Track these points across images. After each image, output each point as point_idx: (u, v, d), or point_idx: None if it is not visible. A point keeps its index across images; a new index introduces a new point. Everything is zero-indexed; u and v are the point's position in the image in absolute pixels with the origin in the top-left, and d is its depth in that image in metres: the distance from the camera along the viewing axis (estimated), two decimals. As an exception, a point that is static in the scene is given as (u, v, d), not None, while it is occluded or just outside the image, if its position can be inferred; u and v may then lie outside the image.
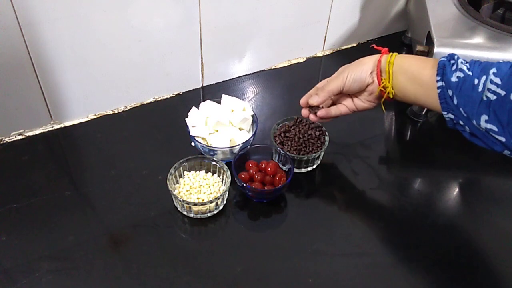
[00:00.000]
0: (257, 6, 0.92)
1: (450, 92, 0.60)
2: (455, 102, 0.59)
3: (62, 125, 0.87)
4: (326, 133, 0.81)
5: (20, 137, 0.84)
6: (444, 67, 0.60)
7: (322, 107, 0.75)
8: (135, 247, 0.69)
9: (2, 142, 0.83)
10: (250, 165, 0.78)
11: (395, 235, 0.73)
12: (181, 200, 0.71)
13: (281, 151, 0.78)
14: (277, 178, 0.75)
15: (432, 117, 0.94)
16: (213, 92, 0.97)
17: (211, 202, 0.71)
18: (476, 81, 0.57)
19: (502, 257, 0.71)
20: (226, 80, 1.00)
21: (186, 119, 0.82)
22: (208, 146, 0.78)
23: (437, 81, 0.61)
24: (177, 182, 0.76)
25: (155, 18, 0.83)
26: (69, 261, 0.66)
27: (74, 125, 0.88)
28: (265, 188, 0.75)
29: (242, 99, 0.89)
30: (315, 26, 1.04)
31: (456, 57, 0.61)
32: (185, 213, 0.73)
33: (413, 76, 0.65)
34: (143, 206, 0.74)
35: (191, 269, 0.66)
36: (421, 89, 0.64)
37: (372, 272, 0.68)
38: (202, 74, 0.96)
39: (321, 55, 1.10)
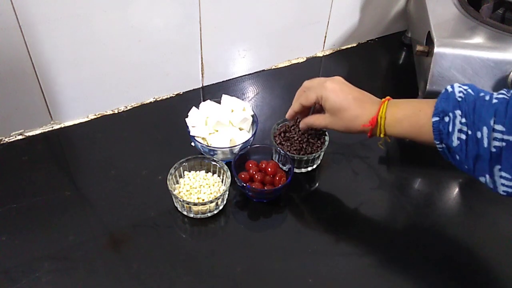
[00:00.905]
0: (257, 6, 0.92)
1: (454, 154, 0.56)
2: (460, 160, 0.56)
3: (62, 125, 0.87)
4: (326, 133, 0.81)
5: (20, 137, 0.84)
6: (441, 133, 0.56)
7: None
8: (135, 247, 0.69)
9: (2, 142, 0.83)
10: (250, 165, 0.78)
11: (395, 235, 0.73)
12: (181, 200, 0.71)
13: (281, 151, 0.78)
14: (277, 178, 0.75)
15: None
16: (213, 92, 0.97)
17: (211, 202, 0.71)
18: (479, 134, 0.53)
19: (502, 257, 0.71)
20: (226, 80, 1.00)
21: (186, 119, 0.82)
22: (208, 146, 0.78)
23: (437, 144, 0.58)
24: (177, 182, 0.76)
25: (155, 18, 0.83)
26: (69, 261, 0.66)
27: (74, 125, 0.88)
28: (265, 188, 0.75)
29: (242, 99, 0.89)
30: (315, 26, 1.04)
31: (450, 109, 0.55)
32: (185, 213, 0.73)
33: (409, 130, 0.61)
34: (143, 206, 0.74)
35: (191, 269, 0.66)
36: (420, 140, 0.61)
37: (372, 272, 0.68)
38: (202, 74, 0.96)
39: (321, 55, 1.10)
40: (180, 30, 0.87)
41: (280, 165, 0.79)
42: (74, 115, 0.87)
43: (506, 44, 0.81)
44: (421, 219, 0.75)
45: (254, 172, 0.76)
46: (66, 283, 0.64)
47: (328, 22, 1.05)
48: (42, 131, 0.86)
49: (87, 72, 0.83)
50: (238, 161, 0.77)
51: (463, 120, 0.54)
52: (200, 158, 0.77)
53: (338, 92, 0.67)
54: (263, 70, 1.04)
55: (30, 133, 0.85)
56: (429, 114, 0.57)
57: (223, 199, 0.74)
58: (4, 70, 0.75)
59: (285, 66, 1.06)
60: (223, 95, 0.85)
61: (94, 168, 0.80)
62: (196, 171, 0.77)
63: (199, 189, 0.74)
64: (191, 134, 0.80)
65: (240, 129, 0.83)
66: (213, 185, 0.75)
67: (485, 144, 0.52)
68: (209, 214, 0.73)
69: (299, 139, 0.79)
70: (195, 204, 0.71)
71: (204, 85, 0.98)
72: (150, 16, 0.82)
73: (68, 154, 0.84)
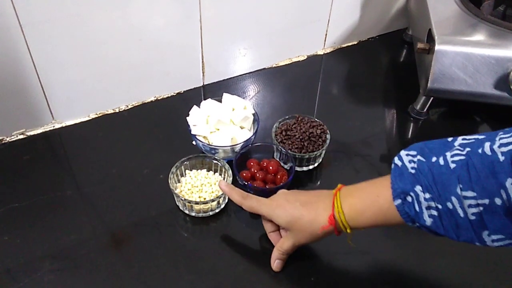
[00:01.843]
0: (257, 4, 0.92)
1: (433, 231, 0.52)
2: (442, 233, 0.51)
3: (63, 125, 0.87)
4: (328, 131, 0.81)
5: (21, 136, 0.84)
6: (409, 215, 0.52)
7: None
8: (136, 246, 0.69)
9: (3, 141, 0.83)
10: (252, 163, 0.78)
11: (397, 233, 0.72)
12: (183, 199, 0.71)
13: (283, 149, 0.78)
14: (279, 177, 0.75)
15: (434, 114, 0.94)
16: (214, 90, 0.97)
17: (212, 201, 0.71)
18: (449, 205, 0.48)
19: (502, 254, 0.70)
20: (227, 79, 1.00)
21: (187, 118, 0.82)
22: (209, 144, 0.78)
23: (411, 225, 0.53)
24: (179, 181, 0.76)
25: (156, 17, 0.83)
26: (71, 260, 0.66)
27: (75, 124, 0.88)
28: (267, 186, 0.75)
29: (243, 98, 0.89)
30: (315, 24, 1.04)
31: (409, 187, 0.51)
32: (186, 212, 0.73)
33: (375, 218, 0.56)
34: (144, 205, 0.74)
35: (192, 268, 0.66)
36: (391, 224, 0.56)
37: (374, 270, 0.68)
38: (203, 72, 0.96)
39: (322, 53, 1.10)
40: (181, 29, 0.87)
41: (282, 164, 0.79)
42: (75, 114, 0.87)
43: (507, 41, 0.81)
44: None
45: (255, 171, 0.76)
46: (67, 282, 0.64)
47: (329, 20, 1.05)
48: (43, 130, 0.86)
49: (88, 71, 0.83)
50: (239, 160, 0.77)
51: (427, 195, 0.49)
52: (202, 157, 0.77)
53: (284, 205, 0.63)
54: (264, 69, 1.04)
55: (31, 133, 0.85)
56: (389, 198, 0.53)
57: (224, 198, 0.74)
58: (5, 69, 0.75)
59: (286, 64, 1.06)
60: (224, 93, 0.85)
61: (96, 167, 0.80)
62: (197, 169, 0.77)
63: (200, 188, 0.74)
64: (192, 132, 0.80)
65: (241, 127, 0.83)
66: (215, 184, 0.75)
67: (461, 214, 0.47)
68: (210, 213, 0.73)
69: (300, 137, 0.79)
70: (196, 203, 0.71)
71: (205, 83, 0.98)
72: (150, 15, 0.82)
73: (69, 153, 0.84)
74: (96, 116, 0.89)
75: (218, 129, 0.81)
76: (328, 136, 0.81)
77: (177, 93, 0.96)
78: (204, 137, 0.80)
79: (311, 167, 0.81)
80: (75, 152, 0.84)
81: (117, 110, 0.91)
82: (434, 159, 0.50)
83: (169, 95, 0.95)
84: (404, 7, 1.13)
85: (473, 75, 0.81)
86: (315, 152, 0.78)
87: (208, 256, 0.68)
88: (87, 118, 0.89)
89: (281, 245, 0.65)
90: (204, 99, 0.85)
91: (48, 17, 0.73)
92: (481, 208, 0.46)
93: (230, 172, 0.75)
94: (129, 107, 0.92)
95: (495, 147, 0.46)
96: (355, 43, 1.13)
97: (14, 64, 0.75)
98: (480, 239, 0.49)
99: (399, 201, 0.52)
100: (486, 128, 0.93)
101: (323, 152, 0.81)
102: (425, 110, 0.92)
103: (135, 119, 0.90)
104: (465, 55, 0.80)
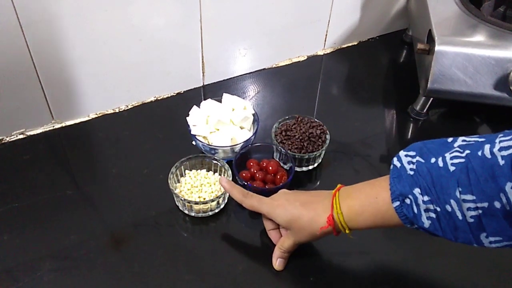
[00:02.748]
0: (258, 4, 0.92)
1: (431, 232, 0.52)
2: (441, 235, 0.51)
3: (63, 124, 0.87)
4: (327, 131, 0.81)
5: (21, 136, 0.84)
6: (407, 217, 0.52)
7: None
8: (136, 246, 0.69)
9: (3, 141, 0.83)
10: (251, 164, 0.78)
11: (397, 234, 0.72)
12: (182, 199, 0.71)
13: (282, 149, 0.78)
14: (278, 177, 0.75)
15: (434, 115, 0.94)
16: (214, 91, 0.97)
17: (212, 201, 0.71)
18: (448, 208, 0.48)
19: (502, 254, 0.70)
20: (227, 79, 1.00)
21: (187, 118, 0.82)
22: (209, 145, 0.78)
23: (409, 227, 0.53)
24: (178, 181, 0.76)
25: (156, 17, 0.83)
26: (71, 260, 0.66)
27: (75, 124, 0.88)
28: (266, 186, 0.75)
29: (243, 98, 0.89)
30: (316, 25, 1.04)
31: (407, 190, 0.50)
32: (186, 212, 0.73)
33: (373, 219, 0.56)
34: (144, 205, 0.74)
35: (192, 268, 0.66)
36: (389, 226, 0.56)
37: (373, 270, 0.68)
38: (203, 73, 0.96)
39: (322, 53, 1.10)
40: (181, 29, 0.87)
41: (281, 164, 0.79)
42: (75, 114, 0.87)
43: (507, 42, 0.81)
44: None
45: (255, 171, 0.76)
46: (67, 282, 0.64)
47: (329, 20, 1.05)
48: (43, 130, 0.86)
49: (88, 71, 0.83)
50: (239, 160, 0.77)
51: (426, 198, 0.49)
52: (201, 157, 0.77)
53: (285, 204, 0.63)
54: (264, 69, 1.04)
55: (31, 132, 0.85)
56: (387, 199, 0.53)
57: (224, 198, 0.74)
58: (5, 69, 0.75)
59: (286, 65, 1.06)
60: (224, 94, 0.85)
61: (95, 167, 0.80)
62: (197, 170, 0.77)
63: (200, 188, 0.74)
64: (192, 133, 0.80)
65: (241, 127, 0.83)
66: (214, 184, 0.75)
67: (460, 217, 0.47)
68: (210, 213, 0.73)
69: (300, 137, 0.79)
70: (196, 203, 0.71)
71: (205, 84, 0.98)
72: (150, 15, 0.82)
73: (69, 153, 0.84)
74: (96, 116, 0.89)
75: (218, 129, 0.81)
76: (328, 137, 0.81)
77: (177, 93, 0.96)
78: (204, 137, 0.80)
79: (310, 167, 0.81)
80: (75, 152, 0.84)
81: (117, 110, 0.91)
82: (433, 160, 0.50)
83: (169, 95, 0.95)
84: (404, 8, 1.13)
85: (473, 75, 0.81)
86: (315, 153, 0.78)
87: (208, 256, 0.68)
88: (87, 118, 0.89)
89: (282, 243, 0.65)
90: (204, 99, 0.85)
91: (48, 17, 0.73)
92: (480, 211, 0.46)
93: (230, 172, 0.75)
94: (129, 107, 0.92)
95: (495, 150, 0.46)
96: (355, 43, 1.14)
97: (14, 63, 0.75)
98: (478, 241, 0.49)
99: (397, 203, 0.52)
100: (486, 128, 0.93)
101: (323, 152, 0.81)
102: (425, 110, 0.92)
103: (135, 119, 0.90)
104: (465, 55, 0.80)
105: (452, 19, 0.87)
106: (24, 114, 0.82)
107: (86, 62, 0.82)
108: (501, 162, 0.45)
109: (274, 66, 1.05)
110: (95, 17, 0.77)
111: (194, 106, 0.83)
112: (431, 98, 0.90)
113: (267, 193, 0.75)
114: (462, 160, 0.48)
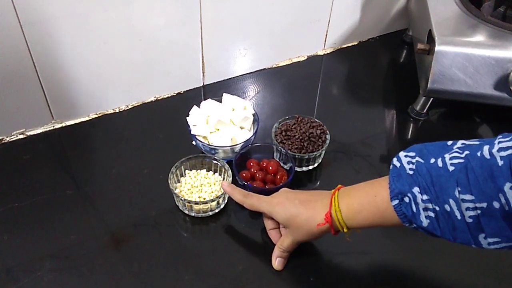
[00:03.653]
0: (258, 4, 0.92)
1: (429, 232, 0.52)
2: (439, 235, 0.51)
3: (63, 124, 0.87)
4: (327, 131, 0.81)
5: (21, 136, 0.84)
6: (406, 215, 0.52)
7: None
8: (136, 246, 0.69)
9: (3, 141, 0.83)
10: (251, 164, 0.78)
11: (396, 234, 0.72)
12: (182, 199, 0.71)
13: (282, 149, 0.78)
14: (278, 177, 0.75)
15: (434, 115, 0.94)
16: (214, 91, 0.97)
17: (212, 201, 0.71)
18: (447, 207, 0.48)
19: (501, 256, 0.70)
20: (227, 79, 1.00)
21: (187, 118, 0.82)
22: (209, 145, 0.78)
23: (407, 226, 0.53)
24: (178, 181, 0.76)
25: (156, 17, 0.83)
26: (71, 260, 0.66)
27: (75, 124, 0.88)
28: (266, 186, 0.75)
29: (243, 98, 0.89)
30: (316, 25, 1.04)
31: (406, 188, 0.51)
32: (186, 212, 0.73)
33: (372, 218, 0.56)
34: (144, 205, 0.74)
35: (192, 268, 0.66)
36: (388, 225, 0.56)
37: (373, 270, 0.68)
38: (203, 73, 0.96)
39: (322, 53, 1.10)
40: (181, 29, 0.87)
41: (281, 164, 0.79)
42: (75, 114, 0.88)
43: (507, 42, 0.81)
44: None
45: (255, 171, 0.76)
46: (67, 282, 0.64)
47: (329, 20, 1.05)
48: (43, 130, 0.86)
49: (88, 71, 0.83)
50: (239, 160, 0.77)
51: (425, 197, 0.49)
52: (201, 157, 0.77)
53: (284, 202, 0.63)
54: (264, 69, 1.04)
55: (32, 132, 0.85)
56: (386, 198, 0.53)
57: (224, 198, 0.74)
58: (5, 69, 0.75)
59: (286, 65, 1.06)
60: (224, 94, 0.85)
61: (95, 167, 0.80)
62: (197, 170, 0.77)
63: (200, 188, 0.74)
64: (192, 133, 0.80)
65: (241, 127, 0.83)
66: (214, 184, 0.75)
67: (458, 216, 0.48)
68: (210, 213, 0.73)
69: (300, 137, 0.79)
70: (196, 203, 0.71)
71: (205, 84, 0.98)
72: (150, 15, 0.82)
73: (69, 153, 0.84)
74: (96, 116, 0.89)
75: (218, 129, 0.81)
76: (328, 137, 0.81)
77: (177, 93, 0.96)
78: (204, 137, 0.80)
79: (311, 167, 0.81)
80: (75, 152, 0.84)
81: (117, 110, 0.91)
82: (432, 160, 0.50)
83: (169, 95, 0.95)
84: (405, 8, 1.13)
85: (473, 76, 0.81)
86: (315, 153, 0.78)
87: (208, 256, 0.68)
88: (87, 118, 0.89)
89: (282, 243, 0.65)
90: (204, 99, 0.85)
91: (48, 17, 0.73)
92: (479, 212, 0.46)
93: (230, 172, 0.75)
94: (129, 107, 0.92)
95: (494, 151, 0.46)
96: (355, 43, 1.14)
97: (14, 63, 0.75)
98: (476, 242, 0.49)
99: (396, 201, 0.52)
100: (486, 128, 0.93)
101: (323, 152, 0.81)
102: (425, 110, 0.92)
103: (135, 119, 0.90)
104: (465, 55, 0.80)
105: (452, 19, 0.87)
106: (24, 114, 0.82)
107: (86, 62, 0.82)
108: (500, 162, 0.45)
109: (274, 66, 1.05)
110: (95, 17, 0.77)
111: (194, 106, 0.83)
112: (431, 98, 0.90)
113: (267, 193, 0.75)
114: (462, 160, 0.48)
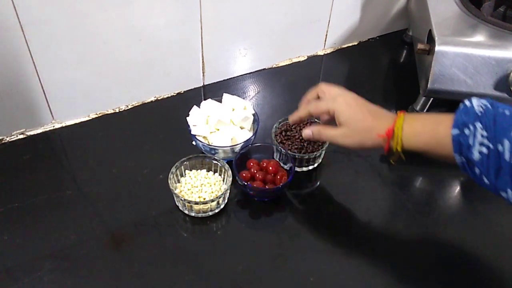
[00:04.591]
0: (258, 4, 0.92)
1: (473, 168, 0.54)
2: (481, 174, 0.54)
3: (63, 124, 0.87)
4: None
5: (21, 136, 0.84)
6: (461, 145, 0.54)
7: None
8: (136, 246, 0.69)
9: (3, 141, 0.83)
10: (251, 164, 0.78)
11: (396, 234, 0.72)
12: (182, 199, 0.71)
13: (282, 150, 0.78)
14: (278, 177, 0.75)
15: (434, 115, 0.94)
16: (214, 91, 0.97)
17: (212, 201, 0.71)
18: (500, 148, 0.51)
19: (504, 255, 0.70)
20: (227, 79, 1.00)
21: (187, 118, 0.82)
22: (209, 145, 0.78)
23: (456, 157, 0.56)
24: (178, 181, 0.76)
25: (156, 17, 0.83)
26: (71, 260, 0.66)
27: (75, 124, 0.88)
28: (266, 187, 0.75)
29: (243, 98, 0.89)
30: (316, 25, 1.04)
31: (471, 121, 0.54)
32: (186, 212, 0.73)
33: (428, 142, 0.59)
34: (144, 205, 0.74)
35: (192, 268, 0.66)
36: (438, 153, 0.59)
37: (373, 270, 0.68)
38: (203, 73, 0.96)
39: (322, 53, 1.10)
40: (181, 29, 0.87)
41: (281, 164, 0.79)
42: (75, 114, 0.88)
43: (508, 42, 0.81)
44: (423, 218, 0.75)
45: (255, 171, 0.76)
46: (67, 282, 0.64)
47: (329, 20, 1.05)
48: (43, 130, 0.86)
49: (88, 71, 0.83)
50: (239, 160, 0.77)
51: (484, 133, 0.52)
52: (201, 157, 0.77)
53: (352, 105, 0.65)
54: (264, 69, 1.04)
55: (31, 132, 0.85)
56: (448, 127, 0.56)
57: (224, 198, 0.74)
58: (5, 69, 0.75)
59: (286, 65, 1.06)
60: (224, 94, 0.85)
61: (95, 167, 0.80)
62: (197, 170, 0.77)
63: (200, 188, 0.74)
64: (192, 133, 0.80)
65: (241, 128, 0.83)
66: (214, 184, 0.75)
67: (507, 158, 0.50)
68: (210, 213, 0.73)
69: (300, 138, 0.79)
70: (196, 203, 0.71)
71: (205, 84, 0.98)
72: (150, 15, 0.82)
73: (69, 153, 0.84)
74: (96, 116, 0.89)
75: (218, 129, 0.81)
76: (328, 137, 0.81)
77: (177, 93, 0.96)
78: (204, 137, 0.80)
79: (311, 167, 0.81)
80: (75, 152, 0.84)
81: (117, 110, 0.91)
82: (501, 109, 0.54)
83: (169, 95, 0.95)
84: (405, 8, 1.13)
85: (473, 76, 0.81)
86: (315, 153, 0.78)
87: (208, 256, 0.68)
88: (87, 118, 0.89)
89: (326, 129, 0.68)
90: (204, 99, 0.85)
91: (48, 17, 0.73)
92: None
93: (230, 172, 0.75)
94: (129, 107, 0.92)
95: None
96: (355, 43, 1.14)
97: (14, 63, 0.75)
98: None
99: (457, 131, 0.55)
100: None
101: (323, 152, 0.81)
102: (425, 110, 0.92)
103: (135, 119, 0.90)
104: (465, 56, 0.80)
105: (452, 19, 0.87)
106: (24, 114, 0.82)
107: (86, 62, 0.82)
108: None
109: (274, 66, 1.05)
110: (95, 17, 0.77)
111: (194, 106, 0.83)
112: (431, 98, 0.90)
113: (267, 193, 0.75)
114: None
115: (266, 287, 0.65)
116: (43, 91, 0.81)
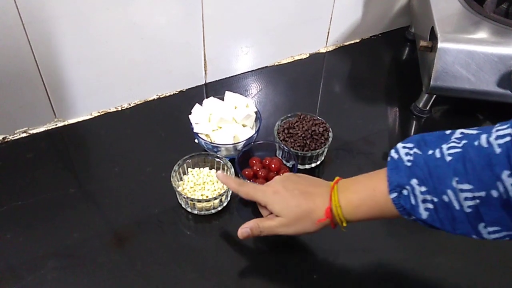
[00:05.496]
0: (259, 2, 0.92)
1: (428, 224, 0.52)
2: (439, 227, 0.51)
3: (66, 123, 0.87)
4: (330, 129, 0.81)
5: (24, 134, 0.84)
6: (405, 208, 0.52)
7: None
8: (139, 244, 0.69)
9: (6, 140, 0.83)
10: (254, 161, 0.78)
11: (399, 231, 0.72)
12: (185, 197, 0.71)
13: (285, 147, 0.78)
14: (281, 175, 0.75)
15: (436, 112, 0.94)
16: (216, 89, 0.97)
17: (215, 198, 0.71)
18: (445, 198, 0.48)
19: (504, 253, 0.70)
20: (229, 77, 1.00)
21: (189, 116, 0.82)
22: (211, 142, 0.78)
23: (407, 218, 0.53)
24: (181, 179, 0.76)
25: (157, 15, 0.83)
26: (74, 258, 0.66)
27: (78, 122, 0.88)
28: (269, 184, 0.75)
29: (246, 96, 0.89)
30: (318, 22, 1.04)
31: (405, 181, 0.50)
32: (189, 210, 0.73)
33: (371, 212, 0.56)
34: (147, 203, 0.74)
35: (195, 266, 0.66)
36: (388, 217, 0.56)
37: (376, 268, 0.68)
38: (205, 71, 0.96)
39: (324, 51, 1.09)
40: (183, 27, 0.87)
41: (284, 162, 0.79)
42: (77, 112, 0.88)
43: (510, 39, 0.80)
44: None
45: (258, 169, 0.76)
46: (71, 280, 0.64)
47: (331, 18, 1.04)
48: (46, 128, 0.86)
49: (90, 70, 0.83)
50: (241, 158, 0.77)
51: (423, 188, 0.49)
52: (204, 155, 0.77)
53: (282, 192, 0.61)
54: (266, 67, 1.04)
55: (34, 131, 0.85)
56: (385, 192, 0.53)
57: (227, 196, 0.74)
58: (8, 68, 0.75)
59: (288, 63, 1.05)
60: (226, 91, 0.85)
61: (98, 165, 0.80)
62: (199, 167, 0.77)
63: (203, 186, 0.74)
64: (194, 131, 0.80)
65: (244, 125, 0.83)
66: (217, 182, 0.75)
67: (457, 207, 0.47)
68: (213, 211, 0.73)
69: (303, 135, 0.79)
70: (199, 201, 0.71)
71: (207, 82, 0.98)
72: (152, 13, 0.82)
73: (72, 151, 0.84)
74: (99, 114, 0.89)
75: (221, 127, 0.81)
76: (330, 134, 0.81)
77: (179, 91, 0.96)
78: (207, 135, 0.80)
79: (313, 165, 0.81)
80: (78, 151, 0.84)
81: (119, 109, 0.91)
82: (430, 152, 0.50)
83: (172, 93, 0.95)
84: (407, 5, 1.12)
85: (476, 73, 0.81)
86: (318, 150, 0.78)
87: (211, 254, 0.68)
88: (90, 117, 0.89)
89: (263, 222, 0.63)
90: (207, 97, 0.85)
91: (51, 16, 0.73)
92: (478, 201, 0.46)
93: (233, 170, 0.75)
94: (132, 105, 0.92)
95: (492, 139, 0.46)
96: (357, 41, 1.13)
97: (17, 62, 0.75)
98: (477, 232, 0.48)
99: (395, 194, 0.52)
100: (488, 125, 0.93)
101: (326, 150, 0.81)
102: (427, 108, 0.92)
103: (138, 117, 0.90)
104: (467, 53, 0.79)
105: (455, 16, 0.87)
106: (27, 113, 0.82)
107: (88, 60, 0.82)
108: (498, 150, 0.45)
109: (276, 64, 1.05)
110: (97, 16, 0.77)
111: (197, 104, 0.83)
112: (434, 96, 0.90)
113: (270, 191, 0.75)
114: (459, 150, 0.48)
115: (269, 284, 0.65)
116: (46, 89, 0.81)
